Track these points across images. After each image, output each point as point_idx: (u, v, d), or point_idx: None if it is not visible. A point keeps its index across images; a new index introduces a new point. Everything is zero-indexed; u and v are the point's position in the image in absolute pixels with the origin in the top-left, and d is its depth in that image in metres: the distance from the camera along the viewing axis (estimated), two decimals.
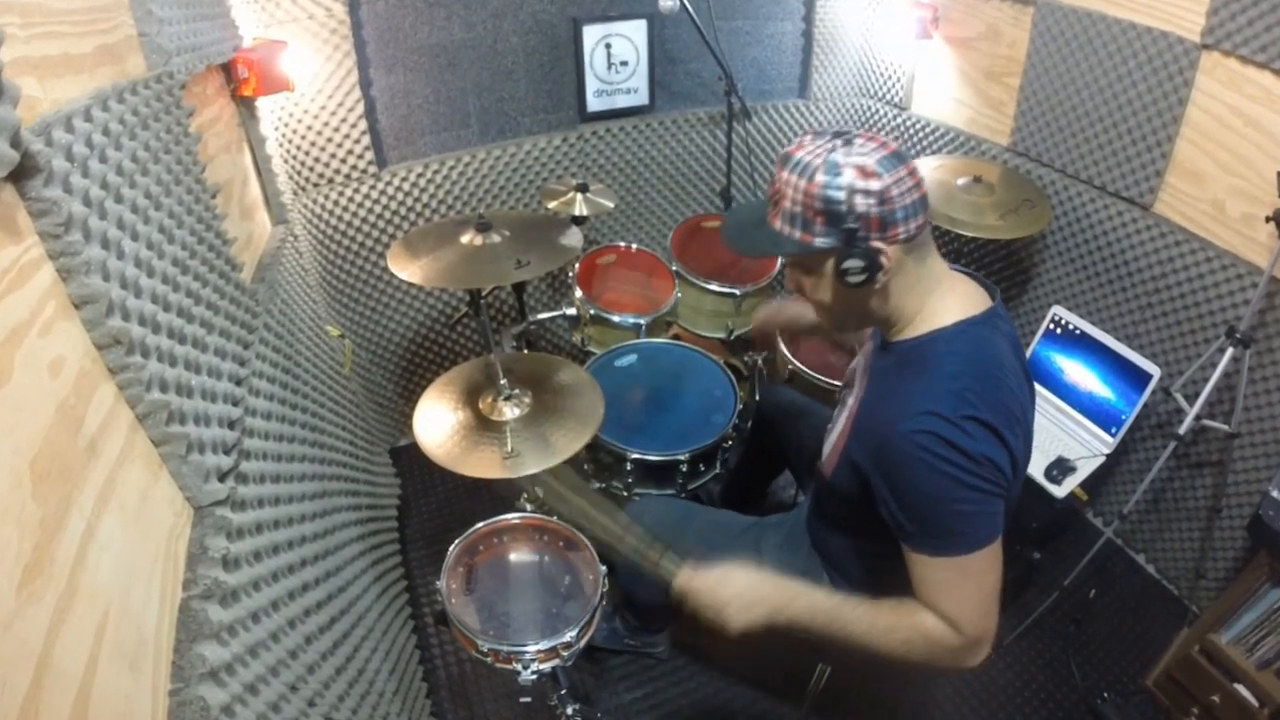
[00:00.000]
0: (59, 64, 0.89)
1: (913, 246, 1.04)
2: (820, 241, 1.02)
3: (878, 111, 2.87)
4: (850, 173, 0.98)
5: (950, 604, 1.04)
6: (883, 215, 0.98)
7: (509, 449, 1.55)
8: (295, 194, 2.13)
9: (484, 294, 1.91)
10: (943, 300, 1.08)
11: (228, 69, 1.69)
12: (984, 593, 1.03)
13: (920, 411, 0.98)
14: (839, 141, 1.00)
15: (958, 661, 1.07)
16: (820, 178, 0.98)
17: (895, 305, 1.09)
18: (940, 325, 1.07)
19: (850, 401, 1.24)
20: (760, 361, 2.36)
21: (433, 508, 2.47)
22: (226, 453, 1.08)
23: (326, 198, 2.23)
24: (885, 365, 1.15)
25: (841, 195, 0.98)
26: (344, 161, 2.21)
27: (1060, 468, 1.97)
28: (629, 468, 1.80)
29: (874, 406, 1.13)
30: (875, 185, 0.97)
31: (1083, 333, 2.09)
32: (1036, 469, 1.97)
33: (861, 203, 0.98)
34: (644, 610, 1.84)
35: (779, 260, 2.35)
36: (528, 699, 1.69)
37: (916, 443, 0.98)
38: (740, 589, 1.17)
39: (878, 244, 1.00)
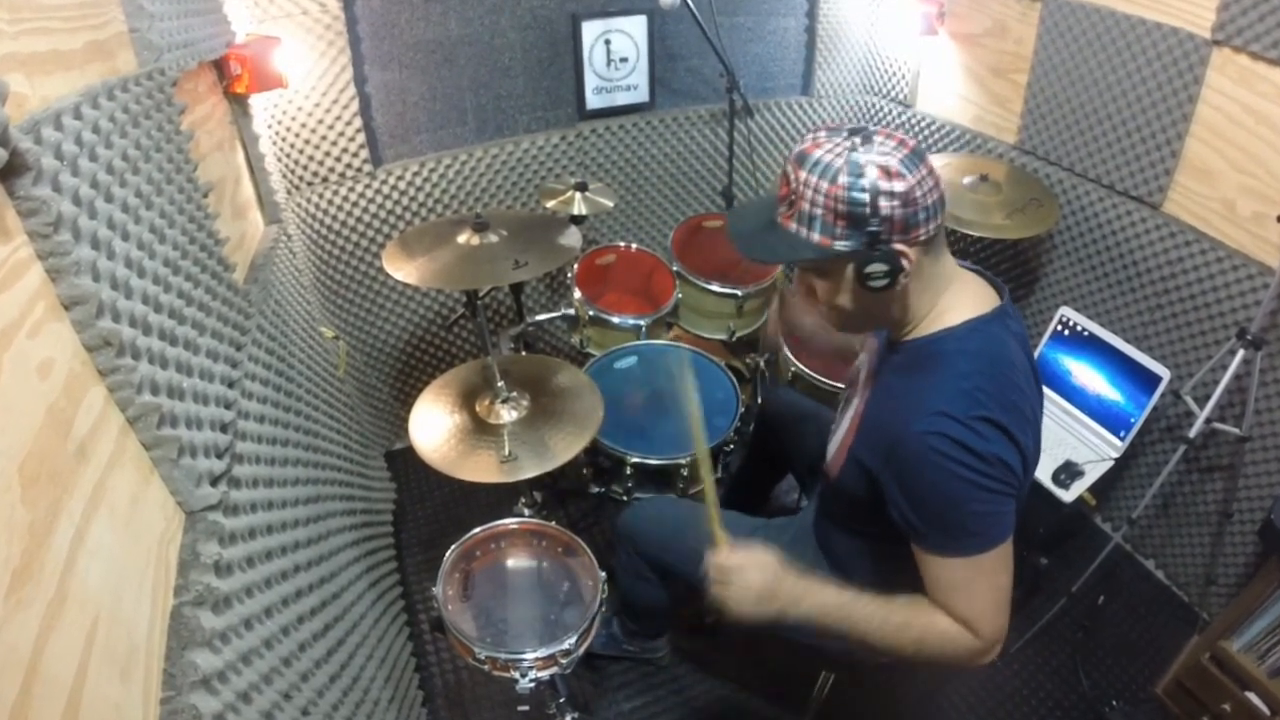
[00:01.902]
0: (48, 60, 0.88)
1: (930, 246, 1.02)
2: (841, 245, 0.99)
3: (882, 109, 2.85)
4: (874, 173, 0.95)
5: (965, 604, 1.03)
6: (906, 217, 0.96)
7: (506, 452, 1.55)
8: (289, 193, 2.11)
9: (481, 295, 1.89)
10: (954, 299, 1.07)
11: (220, 66, 1.68)
12: (997, 592, 1.03)
13: (932, 412, 0.98)
14: (858, 139, 0.97)
15: (970, 662, 1.06)
16: (843, 179, 0.95)
17: (910, 306, 1.07)
18: (950, 324, 1.06)
19: (855, 402, 1.23)
20: (762, 364, 2.33)
21: (429, 512, 2.45)
22: (219, 456, 1.07)
23: (321, 197, 2.21)
24: (894, 364, 1.13)
25: (865, 197, 0.95)
26: (338, 160, 2.18)
27: (1068, 472, 1.94)
28: (629, 472, 1.79)
29: (882, 406, 1.12)
30: (900, 186, 0.95)
31: (1091, 334, 2.06)
32: (1044, 473, 1.95)
33: (885, 205, 0.95)
34: (644, 615, 1.82)
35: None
36: (525, 707, 1.67)
37: (929, 444, 0.97)
38: (757, 580, 1.13)
39: (900, 246, 0.98)
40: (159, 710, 0.78)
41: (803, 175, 0.98)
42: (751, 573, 1.14)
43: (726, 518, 1.57)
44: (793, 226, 1.01)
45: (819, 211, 0.98)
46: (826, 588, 1.14)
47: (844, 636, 1.10)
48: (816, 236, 1.00)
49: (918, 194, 0.96)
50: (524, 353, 2.27)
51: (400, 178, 2.32)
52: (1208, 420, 1.79)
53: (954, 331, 1.05)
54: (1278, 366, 1.82)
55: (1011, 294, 1.14)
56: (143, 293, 0.95)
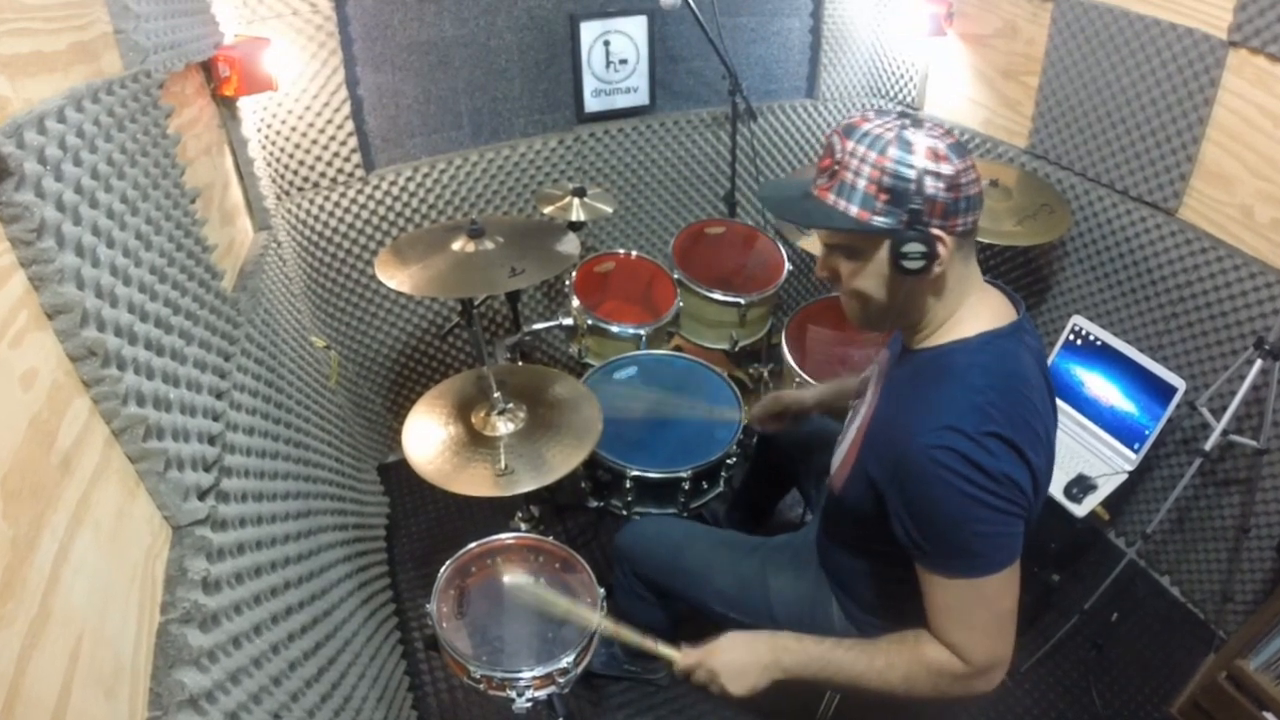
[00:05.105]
0: (31, 62, 0.87)
1: (963, 243, 1.01)
2: (880, 220, 0.97)
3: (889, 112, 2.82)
4: (923, 152, 0.95)
5: (960, 629, 1.01)
6: (948, 202, 0.96)
7: (502, 465, 1.53)
8: (279, 198, 2.09)
9: (477, 303, 1.87)
10: (972, 309, 1.06)
11: (208, 67, 1.66)
12: (998, 618, 1.01)
13: (941, 426, 0.95)
14: (908, 121, 0.98)
15: (967, 690, 1.04)
16: (893, 152, 0.95)
17: (931, 306, 1.05)
18: (964, 335, 1.04)
19: (862, 411, 1.21)
20: (766, 374, 2.30)
21: (423, 527, 2.41)
22: (206, 470, 1.06)
23: (311, 202, 2.18)
24: (903, 373, 1.12)
25: (913, 174, 0.95)
26: (330, 164, 2.15)
27: (1080, 485, 1.91)
28: (628, 485, 1.75)
29: (890, 416, 1.09)
30: (947, 169, 0.95)
31: (1104, 344, 2.03)
32: (1056, 487, 1.91)
33: (931, 185, 0.95)
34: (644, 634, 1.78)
35: (785, 269, 2.29)
36: None
37: (936, 459, 0.95)
38: (730, 658, 1.18)
39: (938, 231, 0.96)
40: None
41: (850, 145, 0.98)
42: (727, 655, 1.18)
43: (725, 537, 1.58)
44: (830, 198, 1.00)
45: (862, 183, 0.97)
46: (805, 640, 1.16)
47: (834, 685, 1.12)
48: (855, 209, 0.98)
49: (962, 181, 0.96)
50: (520, 363, 2.25)
51: (393, 183, 2.29)
52: (1224, 432, 1.75)
53: (968, 343, 1.04)
54: None
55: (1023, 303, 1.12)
56: (128, 301, 0.94)
